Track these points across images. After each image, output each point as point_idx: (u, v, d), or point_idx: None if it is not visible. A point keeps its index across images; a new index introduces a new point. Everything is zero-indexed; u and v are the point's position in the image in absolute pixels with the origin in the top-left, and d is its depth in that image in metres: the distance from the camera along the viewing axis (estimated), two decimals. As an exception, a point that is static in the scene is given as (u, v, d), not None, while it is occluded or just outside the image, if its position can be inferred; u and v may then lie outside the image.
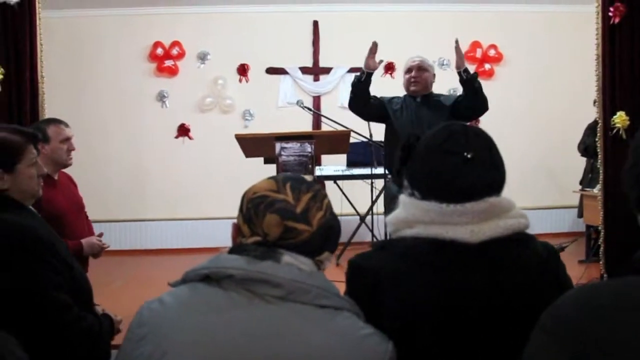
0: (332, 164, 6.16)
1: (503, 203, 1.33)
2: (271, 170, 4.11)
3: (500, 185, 1.35)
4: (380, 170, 5.53)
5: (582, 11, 6.94)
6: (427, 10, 7.27)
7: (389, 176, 4.71)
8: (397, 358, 1.22)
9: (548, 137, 7.19)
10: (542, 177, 7.23)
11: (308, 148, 3.75)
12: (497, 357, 1.27)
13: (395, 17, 7.23)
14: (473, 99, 3.84)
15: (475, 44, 7.34)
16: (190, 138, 7.21)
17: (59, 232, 2.15)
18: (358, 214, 6.16)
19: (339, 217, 1.33)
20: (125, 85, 7.08)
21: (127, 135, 7.10)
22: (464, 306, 1.27)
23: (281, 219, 1.21)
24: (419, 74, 3.99)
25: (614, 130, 4.15)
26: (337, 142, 4.11)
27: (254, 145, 3.95)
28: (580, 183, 6.14)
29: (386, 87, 6.91)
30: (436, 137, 1.35)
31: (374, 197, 5.89)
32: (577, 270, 4.85)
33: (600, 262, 4.30)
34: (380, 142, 5.05)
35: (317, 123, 7.09)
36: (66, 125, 3.17)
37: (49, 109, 4.15)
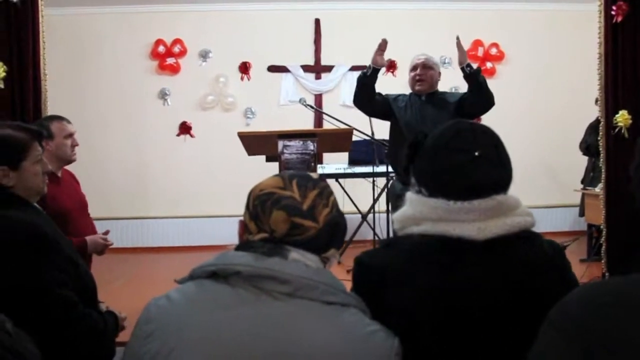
0: (334, 162, 6.16)
1: (510, 201, 1.33)
2: (273, 168, 4.11)
3: (507, 183, 1.36)
4: (382, 168, 5.54)
5: (584, 9, 6.94)
6: (429, 8, 7.27)
7: (392, 174, 4.72)
8: (403, 354, 1.23)
9: (549, 135, 7.20)
10: (543, 176, 7.23)
11: (311, 146, 3.75)
12: (503, 354, 1.28)
13: (397, 15, 7.23)
14: (478, 95, 3.83)
15: (477, 43, 7.34)
16: (191, 136, 7.22)
17: (63, 229, 2.15)
18: (360, 212, 6.16)
19: (341, 215, 1.33)
20: (127, 83, 7.08)
21: (129, 133, 7.11)
22: (471, 303, 1.28)
23: (288, 215, 1.22)
24: (424, 71, 3.98)
25: (616, 129, 4.15)
26: (339, 140, 4.11)
27: (257, 143, 3.95)
28: (582, 182, 6.14)
29: (388, 85, 6.93)
30: (444, 134, 1.36)
31: (376, 196, 5.89)
32: (579, 269, 4.86)
33: (602, 261, 4.30)
34: (382, 140, 5.06)
35: (318, 121, 7.08)
36: (68, 121, 3.19)
37: (51, 106, 4.15)
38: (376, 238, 5.72)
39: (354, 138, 4.44)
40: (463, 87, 6.93)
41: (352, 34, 7.17)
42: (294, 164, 3.72)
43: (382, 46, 3.93)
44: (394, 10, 7.24)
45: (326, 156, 6.26)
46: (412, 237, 1.33)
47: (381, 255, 1.36)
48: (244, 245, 1.25)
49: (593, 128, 5.66)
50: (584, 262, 5.35)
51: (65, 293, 1.85)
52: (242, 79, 7.25)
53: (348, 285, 1.34)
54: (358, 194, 6.24)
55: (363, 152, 5.73)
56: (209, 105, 7.20)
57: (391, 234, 4.87)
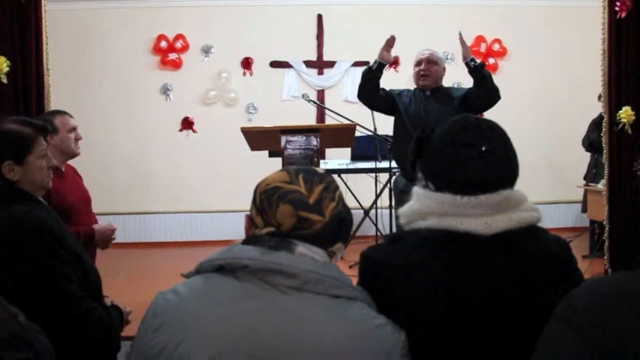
0: (336, 157, 6.16)
1: (516, 196, 1.34)
2: (275, 163, 4.11)
3: (514, 178, 1.36)
4: (384, 164, 5.54)
5: (586, 5, 6.93)
6: (431, 4, 7.26)
7: (395, 169, 4.72)
8: (409, 348, 1.23)
9: (551, 131, 7.20)
10: (546, 172, 7.23)
11: (314, 141, 3.75)
12: (509, 349, 1.28)
13: (399, 11, 7.22)
14: (484, 89, 3.83)
15: (480, 39, 7.34)
16: (194, 131, 7.22)
17: (66, 223, 2.16)
18: (362, 207, 6.16)
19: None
20: (129, 78, 7.08)
21: (131, 128, 7.11)
22: (477, 298, 1.28)
23: (294, 209, 1.22)
24: (429, 66, 3.98)
25: (620, 125, 4.14)
26: (342, 135, 4.11)
27: (260, 138, 3.95)
28: (585, 178, 6.13)
29: (391, 80, 6.92)
30: (451, 129, 1.36)
31: (378, 191, 5.89)
32: (581, 265, 4.75)
33: (605, 257, 4.30)
34: (385, 135, 5.06)
35: (321, 117, 7.09)
36: (70, 115, 3.20)
37: (53, 101, 4.15)
38: (378, 234, 5.72)
39: (357, 133, 4.44)
40: (466, 82, 6.93)
41: (355, 29, 7.16)
42: (296, 159, 3.73)
43: (390, 42, 3.95)
44: (397, 6, 7.23)
45: (328, 152, 6.26)
46: (419, 231, 1.33)
47: (387, 250, 1.36)
48: (250, 239, 1.25)
49: (596, 124, 5.65)
50: (586, 258, 5.35)
51: (70, 287, 1.86)
52: (244, 74, 7.25)
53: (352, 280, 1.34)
54: (360, 190, 6.24)
55: (365, 148, 5.73)
56: (211, 100, 7.21)
57: (394, 230, 4.88)
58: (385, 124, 4.97)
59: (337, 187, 1.31)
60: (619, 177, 4.18)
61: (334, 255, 1.28)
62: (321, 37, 7.30)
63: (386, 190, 5.75)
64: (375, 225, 5.73)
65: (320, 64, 7.34)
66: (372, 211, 5.94)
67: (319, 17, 7.27)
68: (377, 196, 5.89)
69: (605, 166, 4.27)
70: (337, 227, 1.26)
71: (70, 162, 3.28)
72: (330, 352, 1.12)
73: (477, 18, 7.25)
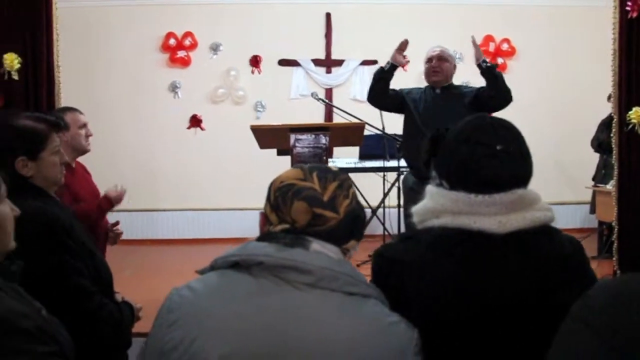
0: (344, 156, 6.16)
1: (530, 195, 1.34)
2: (283, 161, 4.12)
3: (528, 177, 1.36)
4: (392, 163, 5.54)
5: (596, 5, 6.90)
6: (440, 3, 7.24)
7: (404, 168, 4.72)
8: (422, 346, 1.23)
9: (560, 132, 7.17)
10: (554, 173, 7.20)
11: (323, 140, 3.75)
12: (522, 348, 1.28)
13: (408, 10, 7.21)
14: (495, 89, 3.82)
15: (488, 38, 7.32)
16: (202, 129, 7.24)
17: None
18: (370, 206, 6.15)
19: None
20: (138, 75, 7.10)
21: (139, 126, 7.12)
22: (490, 297, 1.28)
23: (309, 205, 1.22)
24: (439, 63, 3.98)
25: (630, 126, 4.12)
26: (351, 134, 4.11)
27: (269, 136, 3.96)
28: (593, 179, 6.11)
29: (399, 79, 6.91)
30: (466, 128, 1.36)
31: (386, 190, 5.89)
32: (590, 266, 4.83)
33: (614, 259, 4.29)
34: (394, 134, 5.06)
35: (329, 115, 7.09)
36: (80, 112, 3.22)
37: (63, 98, 4.16)
38: (386, 233, 5.72)
39: (365, 132, 4.44)
40: (474, 81, 6.92)
41: (363, 28, 7.16)
42: (305, 157, 3.73)
43: (403, 46, 3.99)
44: (406, 5, 7.22)
45: (336, 150, 6.25)
46: (432, 230, 1.33)
47: (401, 248, 1.37)
48: (265, 236, 1.25)
49: (605, 125, 5.63)
50: (594, 259, 5.33)
51: (82, 282, 1.87)
52: (252, 72, 7.26)
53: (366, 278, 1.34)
54: (368, 189, 6.22)
55: (374, 147, 5.72)
56: (219, 98, 7.22)
57: (402, 229, 4.88)
58: (393, 123, 4.97)
59: (350, 185, 1.31)
60: (628, 178, 4.16)
61: (348, 253, 1.29)
62: (329, 36, 7.30)
63: (394, 189, 5.75)
64: (383, 224, 5.73)
65: (328, 63, 7.34)
66: (380, 210, 5.93)
67: (328, 15, 7.27)
68: (385, 195, 5.89)
69: (615, 167, 4.25)
70: (351, 224, 1.27)
71: (79, 159, 3.30)
72: (344, 348, 1.13)
73: (486, 17, 7.23)
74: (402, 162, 4.79)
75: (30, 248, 1.81)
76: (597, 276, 4.21)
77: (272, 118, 6.52)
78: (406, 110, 4.02)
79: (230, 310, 1.16)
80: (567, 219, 7.03)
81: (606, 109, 5.74)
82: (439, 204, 1.34)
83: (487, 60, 3.93)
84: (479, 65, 3.88)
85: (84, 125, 3.16)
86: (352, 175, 5.68)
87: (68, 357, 1.31)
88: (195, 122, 7.23)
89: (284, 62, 7.26)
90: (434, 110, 3.89)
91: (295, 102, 7.21)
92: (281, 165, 4.11)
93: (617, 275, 3.57)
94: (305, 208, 1.22)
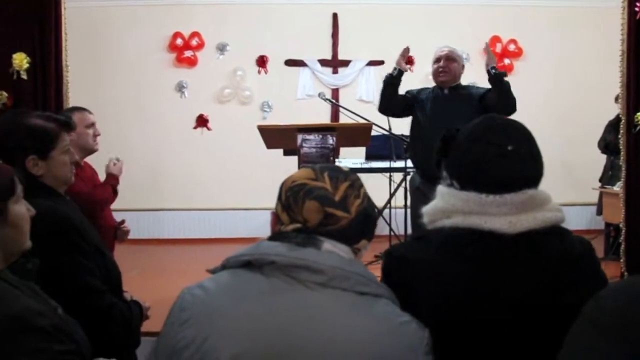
0: (351, 156, 6.15)
1: (541, 196, 1.34)
2: (290, 161, 4.12)
3: (539, 177, 1.37)
4: (399, 163, 5.53)
5: (603, 6, 6.88)
6: (447, 3, 7.24)
7: (411, 169, 4.72)
8: (432, 346, 1.23)
9: (567, 133, 7.14)
10: (561, 174, 7.18)
11: (330, 140, 3.75)
12: (532, 348, 1.28)
13: (415, 10, 7.20)
14: (499, 97, 3.82)
15: (495, 39, 7.30)
16: (208, 129, 7.25)
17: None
18: (376, 207, 6.15)
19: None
20: (145, 75, 7.11)
21: (146, 125, 7.14)
22: (500, 297, 1.28)
23: (321, 205, 1.23)
24: (447, 63, 3.97)
25: (638, 127, 4.11)
26: (358, 134, 4.11)
27: (276, 136, 3.96)
28: (600, 180, 6.09)
29: (406, 80, 6.91)
30: (477, 128, 1.37)
31: (392, 190, 5.89)
32: (597, 268, 4.81)
33: (621, 261, 4.27)
34: (400, 135, 5.05)
35: (335, 115, 7.09)
36: (89, 112, 3.23)
37: (71, 98, 4.18)
38: (392, 233, 5.72)
39: (371, 133, 4.43)
40: (480, 82, 6.90)
41: (370, 29, 7.16)
42: (313, 157, 3.73)
43: (405, 52, 3.98)
44: (412, 5, 7.21)
45: (343, 150, 6.25)
46: (443, 230, 1.34)
47: (411, 248, 1.37)
48: (277, 235, 1.26)
49: (612, 126, 5.62)
50: (601, 261, 5.30)
51: (93, 281, 1.88)
52: (259, 72, 7.27)
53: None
54: (374, 189, 6.18)
55: (380, 147, 5.72)
56: (226, 98, 7.23)
57: (409, 229, 4.88)
58: (400, 124, 4.96)
59: (361, 185, 1.32)
60: (636, 179, 4.14)
61: (359, 252, 1.29)
62: (336, 36, 7.30)
63: (400, 190, 5.75)
64: (389, 225, 5.73)
65: (335, 63, 7.34)
66: (386, 210, 5.93)
67: (334, 16, 7.27)
68: (391, 195, 5.89)
69: (623, 168, 4.24)
70: (363, 224, 1.27)
71: (87, 159, 3.31)
72: (355, 348, 1.13)
73: (493, 18, 7.22)
74: (409, 163, 4.78)
75: (41, 247, 1.81)
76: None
77: (279, 118, 6.53)
78: (414, 111, 4.02)
79: (242, 309, 1.17)
80: (573, 221, 7.01)
81: (613, 110, 5.73)
82: (449, 204, 1.34)
83: (497, 67, 3.91)
84: (487, 71, 3.87)
85: (92, 125, 3.17)
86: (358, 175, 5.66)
87: (84, 356, 1.32)
88: (201, 122, 7.24)
89: (290, 63, 7.27)
90: (442, 110, 3.88)
91: (301, 102, 7.22)
92: (288, 166, 4.12)
93: (628, 277, 3.55)
94: (317, 207, 1.23)
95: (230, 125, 7.10)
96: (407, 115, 4.16)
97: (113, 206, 3.56)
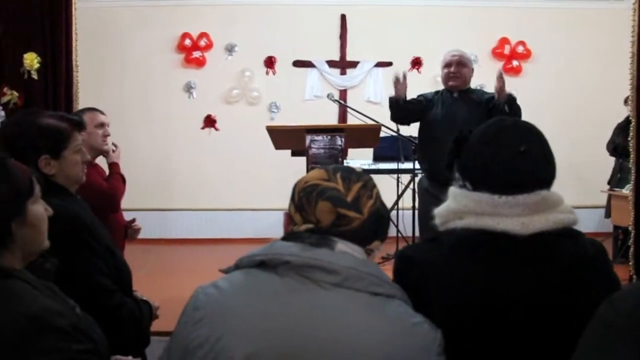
0: (358, 158, 6.16)
1: (554, 197, 1.34)
2: (297, 162, 4.13)
3: (551, 179, 1.37)
4: (407, 165, 5.53)
5: (612, 7, 6.87)
6: (455, 5, 7.23)
7: (418, 170, 4.71)
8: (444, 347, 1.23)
9: (575, 135, 7.11)
10: (568, 176, 7.15)
11: (339, 141, 3.76)
12: (545, 349, 1.28)
13: (423, 11, 7.20)
14: (509, 114, 3.78)
15: (504, 40, 7.30)
16: (216, 129, 7.27)
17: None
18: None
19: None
20: (153, 76, 7.14)
21: (154, 125, 7.16)
22: (513, 298, 1.28)
23: (333, 205, 1.23)
24: (458, 69, 3.96)
25: (647, 130, 4.10)
26: (367, 135, 4.11)
27: (284, 137, 3.97)
28: (609, 183, 6.07)
29: (413, 82, 6.90)
30: (489, 130, 1.37)
31: (400, 192, 5.88)
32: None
33: (630, 264, 4.26)
34: (408, 136, 5.05)
35: (342, 116, 7.10)
36: (102, 112, 3.24)
37: (80, 98, 4.21)
38: (399, 235, 5.71)
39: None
40: (488, 84, 6.89)
41: (378, 30, 7.16)
42: (321, 158, 3.74)
43: (397, 83, 3.94)
44: (420, 7, 7.21)
45: (350, 152, 6.26)
46: (455, 231, 1.33)
47: (423, 249, 1.37)
48: (290, 236, 1.26)
49: (621, 128, 5.59)
50: (609, 263, 5.29)
51: (103, 281, 1.89)
52: (267, 73, 7.28)
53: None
54: (382, 191, 6.19)
55: (388, 149, 5.72)
56: (234, 99, 7.25)
57: (416, 231, 4.88)
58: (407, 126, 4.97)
59: (374, 185, 1.32)
60: (646, 182, 4.13)
61: (372, 253, 1.29)
62: (344, 37, 7.31)
63: (408, 192, 5.75)
64: (397, 226, 5.73)
65: (343, 64, 7.35)
66: (393, 212, 5.92)
67: (343, 17, 7.28)
68: (399, 197, 5.89)
69: (632, 171, 4.22)
70: (375, 225, 1.27)
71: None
72: (368, 348, 1.13)
73: (501, 20, 7.21)
74: (417, 164, 4.78)
75: (52, 247, 1.83)
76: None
77: (286, 119, 6.54)
78: (424, 114, 4.00)
79: (256, 309, 1.17)
80: (581, 223, 6.74)
81: (622, 112, 5.71)
82: (461, 205, 1.34)
83: (508, 95, 3.84)
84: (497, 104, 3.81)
85: (101, 125, 3.17)
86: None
87: (102, 355, 1.33)
88: (209, 122, 7.26)
89: (298, 63, 7.28)
90: (453, 114, 3.87)
91: (309, 103, 7.23)
92: (295, 166, 4.12)
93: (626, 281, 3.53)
94: (329, 208, 1.23)
95: (238, 125, 7.12)
96: (418, 120, 4.15)
97: (121, 205, 3.58)
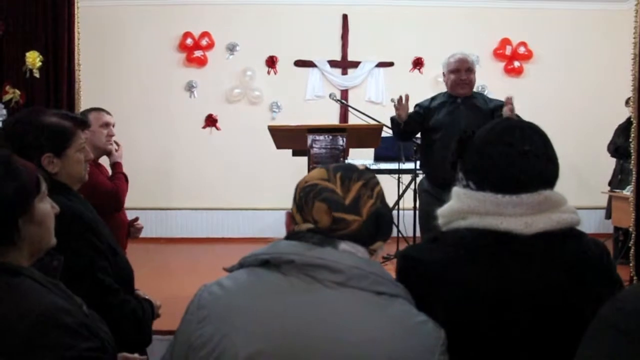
0: (359, 158, 6.16)
1: (557, 197, 1.34)
2: (298, 162, 4.13)
3: (554, 178, 1.37)
4: (408, 165, 5.53)
5: (613, 9, 6.87)
6: (457, 5, 7.24)
7: (419, 170, 4.71)
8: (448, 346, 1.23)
9: (576, 136, 7.12)
10: (570, 177, 7.16)
11: (340, 141, 3.75)
12: (547, 349, 1.28)
13: (424, 12, 7.21)
14: None
15: (505, 41, 7.30)
16: (217, 129, 7.28)
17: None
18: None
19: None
20: (154, 75, 7.15)
21: (155, 124, 7.17)
22: (517, 298, 1.28)
23: (329, 208, 1.23)
24: (468, 75, 3.92)
25: (649, 131, 4.10)
26: (369, 135, 4.10)
27: (286, 136, 3.96)
28: (610, 184, 6.07)
29: (415, 82, 6.93)
30: (493, 130, 1.37)
31: (401, 192, 5.89)
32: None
33: (630, 265, 4.26)
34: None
35: (344, 116, 7.10)
36: (107, 112, 3.25)
37: (82, 97, 4.21)
38: (400, 235, 5.72)
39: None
40: (490, 86, 6.89)
41: (380, 30, 7.17)
42: (323, 158, 3.73)
43: (399, 104, 3.85)
44: (422, 8, 7.22)
45: (351, 152, 6.26)
46: (458, 231, 1.34)
47: (427, 249, 1.37)
48: (293, 235, 1.26)
49: (622, 130, 5.60)
50: (610, 265, 5.28)
51: (106, 279, 1.88)
52: (268, 72, 7.29)
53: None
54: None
55: (389, 149, 5.72)
56: (235, 98, 7.25)
57: (417, 231, 4.87)
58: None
59: (376, 184, 1.30)
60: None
61: (374, 254, 1.29)
62: (346, 37, 7.32)
63: (409, 192, 5.75)
64: (397, 226, 5.73)
65: (344, 64, 7.36)
66: (394, 212, 5.93)
67: (344, 17, 7.29)
68: (400, 197, 5.89)
69: (633, 172, 4.22)
70: (376, 225, 1.26)
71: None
72: (372, 347, 1.13)
73: (503, 20, 7.22)
74: (418, 165, 4.77)
75: (55, 245, 1.83)
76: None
77: (288, 119, 6.55)
78: (426, 120, 3.97)
79: (260, 307, 1.17)
80: (582, 224, 6.93)
81: (623, 113, 5.71)
82: (465, 205, 1.34)
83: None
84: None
85: (107, 125, 3.18)
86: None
87: (109, 352, 1.33)
88: (210, 121, 7.27)
89: (300, 63, 7.28)
90: (457, 119, 3.81)
91: (310, 103, 7.23)
92: (296, 166, 4.12)
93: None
94: (325, 209, 1.23)
95: (239, 125, 7.13)
96: (418, 132, 4.13)
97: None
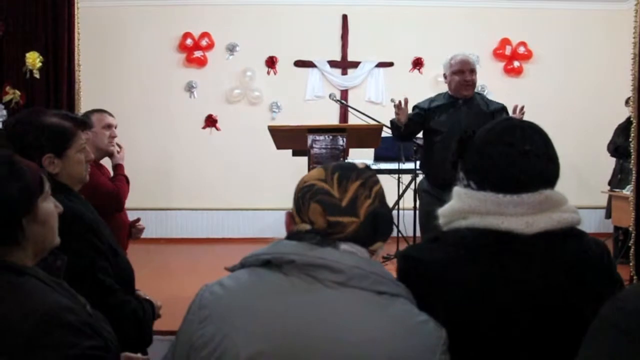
0: (359, 158, 6.16)
1: (557, 197, 1.34)
2: (298, 162, 4.14)
3: (555, 178, 1.37)
4: (408, 165, 5.53)
5: (613, 9, 6.87)
6: (457, 5, 7.24)
7: (420, 171, 4.71)
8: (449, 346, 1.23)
9: (576, 136, 7.12)
10: (569, 177, 7.16)
11: (340, 141, 3.76)
12: (548, 348, 1.28)
13: (424, 12, 7.22)
14: None
15: (505, 41, 7.30)
16: (217, 129, 7.28)
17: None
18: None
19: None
20: (154, 75, 7.15)
21: (155, 125, 7.17)
22: (518, 298, 1.28)
23: (323, 211, 1.22)
24: (472, 77, 3.92)
25: (648, 130, 4.10)
26: (369, 136, 4.11)
27: (286, 136, 3.97)
28: (609, 184, 6.08)
29: (414, 82, 6.93)
30: (494, 129, 1.37)
31: (401, 192, 5.89)
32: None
33: (630, 264, 4.26)
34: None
35: (343, 116, 7.10)
36: (110, 114, 3.26)
37: (82, 97, 4.21)
38: (400, 235, 5.72)
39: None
40: (489, 85, 6.89)
41: (379, 30, 7.17)
42: (323, 158, 3.74)
43: (399, 107, 3.85)
44: (422, 8, 7.22)
45: (351, 152, 6.26)
46: (459, 231, 1.34)
47: (427, 249, 1.37)
48: (294, 235, 1.26)
49: (622, 129, 5.60)
50: (610, 264, 5.28)
51: (106, 280, 1.89)
52: (268, 73, 7.29)
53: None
54: (383, 191, 6.23)
55: (389, 149, 5.72)
56: (235, 98, 7.25)
57: (417, 231, 4.88)
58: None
59: (375, 182, 1.29)
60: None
61: (375, 254, 1.29)
62: (346, 38, 7.32)
63: (408, 192, 5.75)
64: (397, 226, 5.73)
65: (344, 64, 7.36)
66: (394, 212, 5.93)
67: (344, 17, 7.29)
68: (400, 197, 5.89)
69: (633, 172, 4.23)
70: (374, 225, 1.25)
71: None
72: (373, 347, 1.13)
73: (502, 20, 7.22)
74: (418, 165, 4.77)
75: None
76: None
77: (288, 119, 6.56)
78: (426, 122, 3.97)
79: (262, 307, 1.17)
80: (582, 224, 6.96)
81: (623, 113, 5.72)
82: (466, 205, 1.34)
83: None
84: None
85: (109, 126, 3.19)
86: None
87: (112, 352, 1.33)
88: (210, 122, 7.27)
89: (299, 63, 7.29)
90: (457, 121, 3.80)
91: (310, 103, 7.24)
92: (296, 166, 4.12)
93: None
94: (320, 211, 1.22)
95: (239, 125, 7.13)
96: (418, 133, 4.13)
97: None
